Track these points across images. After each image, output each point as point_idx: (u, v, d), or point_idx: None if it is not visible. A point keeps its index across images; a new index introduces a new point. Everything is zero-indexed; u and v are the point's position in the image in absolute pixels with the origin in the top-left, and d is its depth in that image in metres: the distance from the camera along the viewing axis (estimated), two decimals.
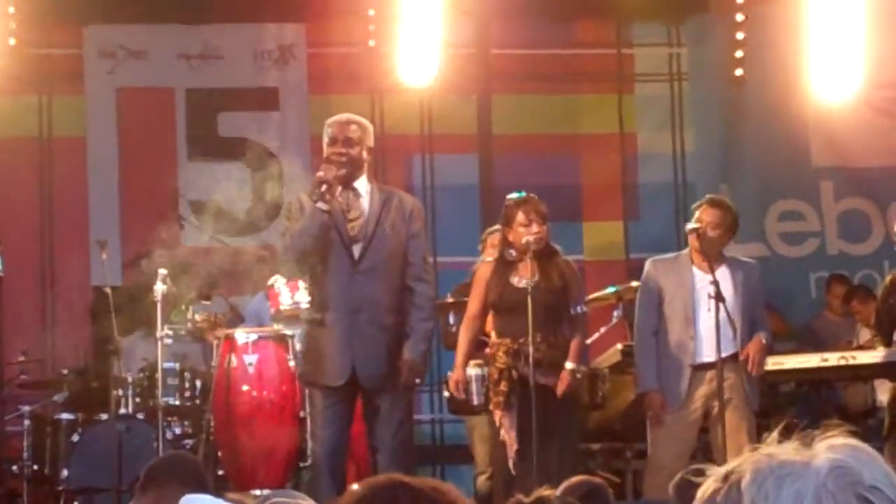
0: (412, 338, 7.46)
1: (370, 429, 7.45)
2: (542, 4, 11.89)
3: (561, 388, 7.96)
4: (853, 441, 1.54)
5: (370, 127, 7.63)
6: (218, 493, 8.01)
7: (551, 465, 7.63)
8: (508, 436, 7.90)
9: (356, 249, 7.39)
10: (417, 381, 7.56)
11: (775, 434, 1.57)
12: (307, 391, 7.67)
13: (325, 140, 7.57)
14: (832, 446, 1.51)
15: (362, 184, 7.52)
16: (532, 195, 8.21)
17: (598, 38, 12.54)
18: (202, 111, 12.10)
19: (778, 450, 1.53)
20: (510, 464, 7.88)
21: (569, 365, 8.02)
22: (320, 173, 7.39)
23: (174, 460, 5.24)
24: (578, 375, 8.10)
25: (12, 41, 11.17)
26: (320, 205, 7.29)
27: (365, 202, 7.49)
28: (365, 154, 7.50)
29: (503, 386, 7.92)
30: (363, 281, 7.35)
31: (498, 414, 7.94)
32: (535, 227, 8.02)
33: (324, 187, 7.32)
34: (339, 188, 7.41)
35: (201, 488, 4.78)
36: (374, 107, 12.01)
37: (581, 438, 8.81)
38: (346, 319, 7.32)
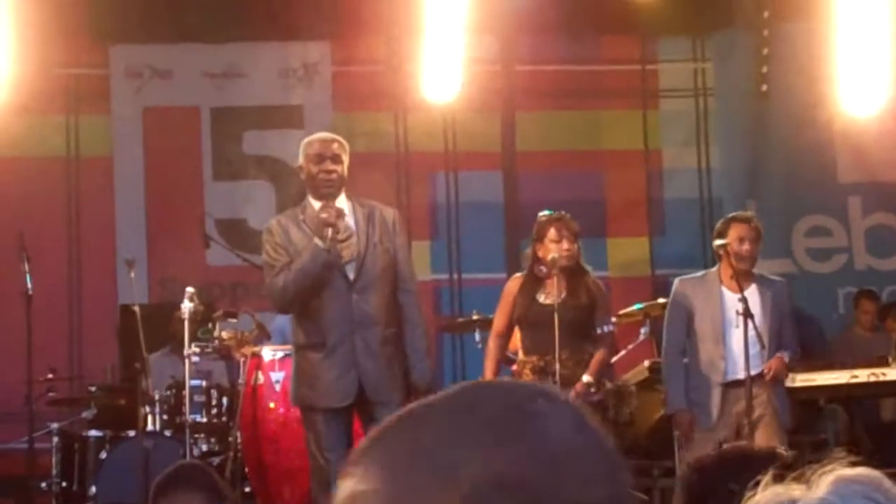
0: (413, 358, 7.32)
1: None
2: (566, 20, 11.89)
3: (572, 398, 7.90)
4: (858, 472, 1.53)
5: (347, 144, 7.56)
6: None
7: None
8: None
9: (350, 270, 7.32)
10: None
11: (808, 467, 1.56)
12: (303, 415, 7.52)
13: (306, 157, 7.38)
14: (835, 479, 1.50)
15: (342, 202, 7.44)
16: (565, 213, 8.22)
17: (622, 54, 12.54)
18: (228, 130, 12.14)
19: (792, 486, 1.53)
20: None
21: (585, 378, 7.98)
22: (324, 215, 7.23)
23: (175, 468, 5.25)
24: (592, 389, 8.01)
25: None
26: (322, 244, 7.19)
27: (350, 221, 7.42)
28: (345, 171, 7.44)
29: None
30: (360, 299, 7.28)
31: None
32: (565, 245, 8.02)
33: (330, 231, 7.22)
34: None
35: (209, 491, 4.76)
36: (398, 124, 12.05)
37: None
38: (348, 339, 7.25)
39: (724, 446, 4.53)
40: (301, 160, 7.42)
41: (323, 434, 7.31)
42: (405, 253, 7.55)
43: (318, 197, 7.34)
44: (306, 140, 7.57)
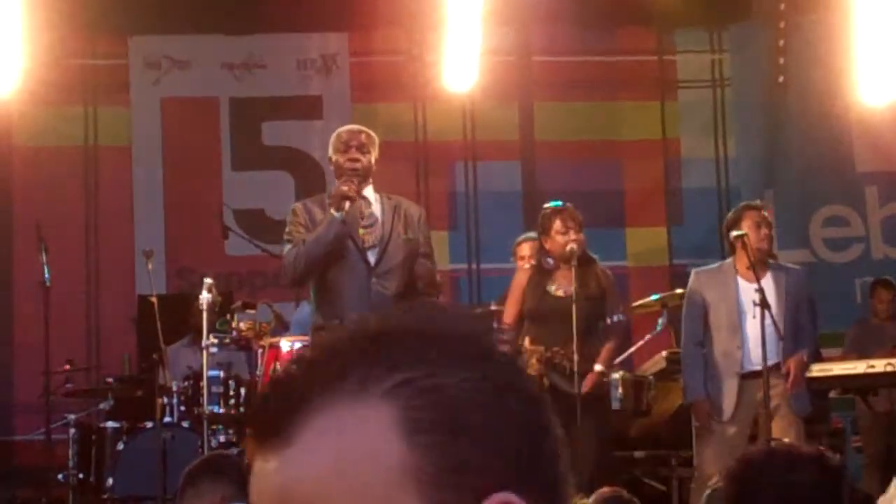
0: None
1: None
2: (583, 12, 11.89)
3: (585, 388, 7.82)
4: None
5: (377, 138, 7.60)
6: None
7: (588, 473, 7.59)
8: None
9: (371, 255, 7.36)
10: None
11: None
12: None
13: (334, 148, 7.46)
14: None
15: (369, 193, 7.49)
16: (568, 204, 8.20)
17: (640, 45, 12.54)
18: (246, 120, 12.15)
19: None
20: None
21: (598, 367, 7.96)
22: (343, 188, 7.29)
23: (205, 458, 5.24)
24: (605, 378, 8.03)
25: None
26: (338, 215, 7.23)
27: (377, 210, 7.47)
28: (373, 162, 7.48)
29: None
30: (379, 283, 7.32)
31: None
32: (572, 235, 8.01)
33: (347, 204, 7.25)
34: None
35: (238, 482, 4.77)
36: (416, 114, 12.06)
37: (620, 446, 8.76)
38: None
39: (773, 443, 4.53)
40: (330, 151, 7.49)
41: None
42: (428, 248, 7.59)
43: None
44: (336, 132, 7.62)
